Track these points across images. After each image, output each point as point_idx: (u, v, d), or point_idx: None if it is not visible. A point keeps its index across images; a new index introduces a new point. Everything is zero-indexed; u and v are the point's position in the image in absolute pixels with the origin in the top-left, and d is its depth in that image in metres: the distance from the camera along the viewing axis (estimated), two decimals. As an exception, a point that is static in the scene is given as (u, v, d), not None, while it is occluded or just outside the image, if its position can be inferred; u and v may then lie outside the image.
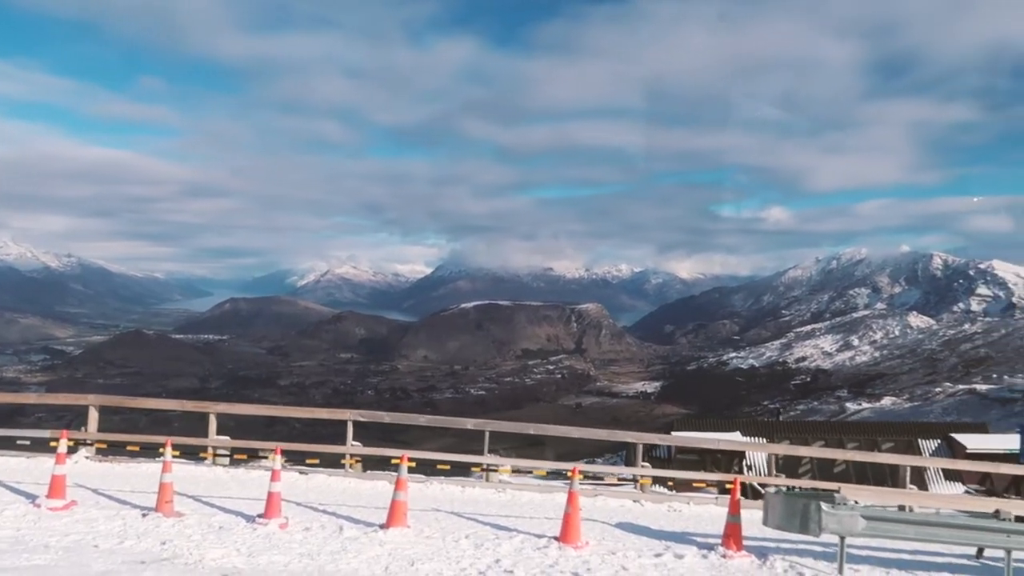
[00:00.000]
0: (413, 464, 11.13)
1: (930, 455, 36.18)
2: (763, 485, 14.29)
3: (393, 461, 11.26)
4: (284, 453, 13.60)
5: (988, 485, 32.29)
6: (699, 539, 9.90)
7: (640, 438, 12.09)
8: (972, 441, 35.14)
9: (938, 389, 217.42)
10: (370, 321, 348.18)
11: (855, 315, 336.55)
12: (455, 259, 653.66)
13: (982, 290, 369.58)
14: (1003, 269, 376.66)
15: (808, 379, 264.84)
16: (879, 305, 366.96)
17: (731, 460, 34.26)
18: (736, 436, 36.72)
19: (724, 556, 9.08)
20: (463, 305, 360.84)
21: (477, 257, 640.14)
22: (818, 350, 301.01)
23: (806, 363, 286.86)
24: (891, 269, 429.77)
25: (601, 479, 12.73)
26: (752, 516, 10.22)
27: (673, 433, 33.56)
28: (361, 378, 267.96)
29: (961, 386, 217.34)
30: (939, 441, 36.66)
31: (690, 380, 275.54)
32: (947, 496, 18.96)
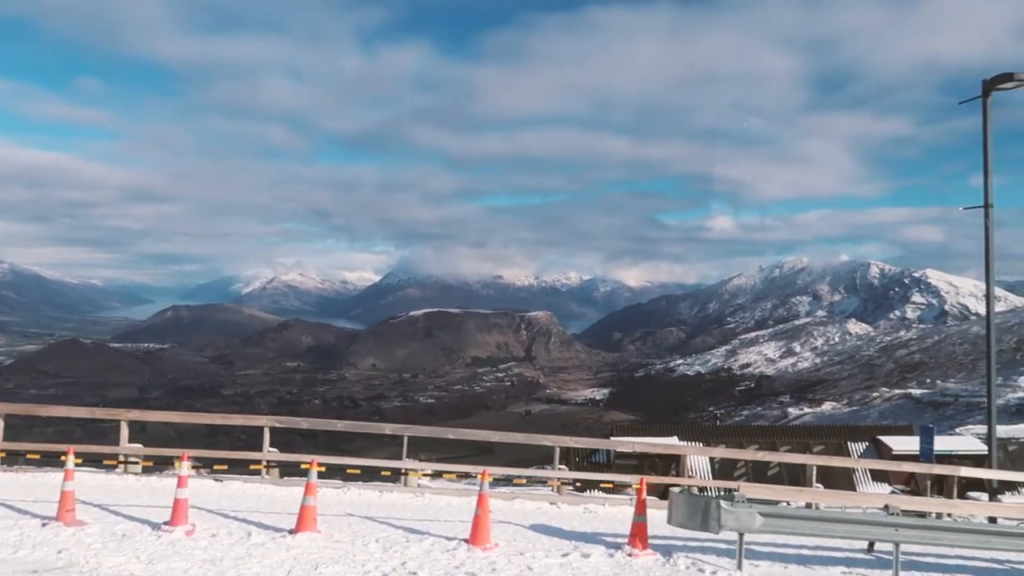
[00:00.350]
0: (323, 469, 11.08)
1: (859, 456, 37.35)
2: (671, 486, 14.60)
3: (303, 466, 11.19)
4: (208, 461, 13.44)
5: (912, 485, 33.48)
6: (609, 539, 10.08)
7: (557, 441, 12.27)
8: (897, 443, 36.37)
9: (875, 394, 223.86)
10: (317, 329, 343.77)
11: (797, 322, 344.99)
12: (404, 266, 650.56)
13: (917, 298, 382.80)
14: (936, 278, 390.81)
15: (752, 385, 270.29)
16: (820, 312, 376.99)
17: (668, 464, 34.83)
18: (674, 440, 37.32)
19: (630, 555, 9.26)
20: (412, 313, 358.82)
21: (426, 264, 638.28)
22: (762, 356, 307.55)
23: (750, 369, 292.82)
24: (831, 277, 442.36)
25: (510, 481, 12.85)
26: (664, 516, 10.44)
27: (612, 438, 34.01)
28: (308, 387, 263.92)
29: (897, 391, 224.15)
30: (867, 443, 37.84)
31: (638, 387, 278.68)
32: (848, 493, 19.59)
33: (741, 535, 8.91)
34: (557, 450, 12.24)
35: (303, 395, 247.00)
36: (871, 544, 9.61)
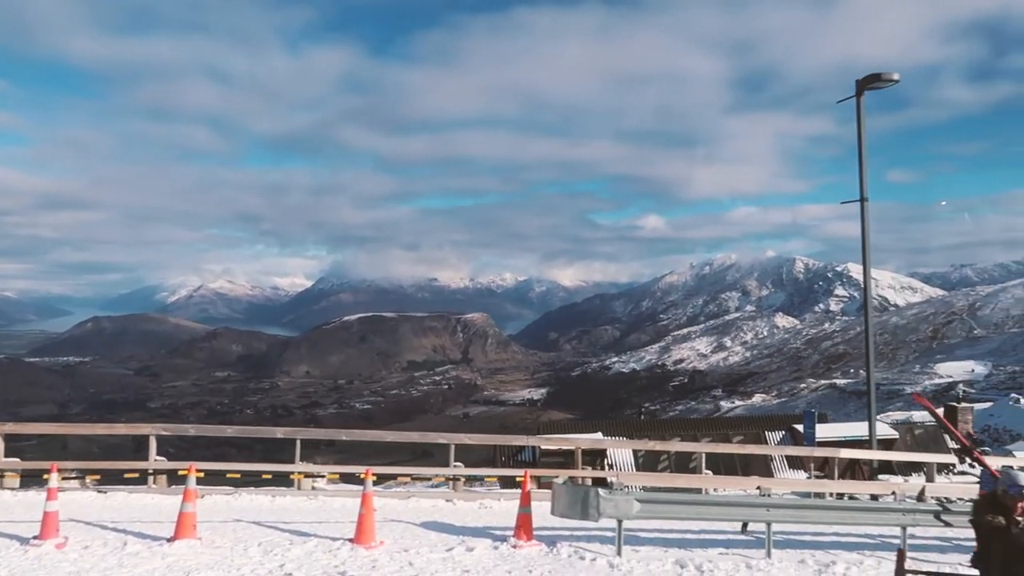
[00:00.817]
0: (201, 474, 10.86)
1: (776, 444, 38.56)
2: (596, 480, 14.84)
3: (180, 472, 10.97)
4: (107, 473, 13.00)
5: (827, 469, 34.78)
6: (498, 532, 10.17)
7: (452, 439, 12.34)
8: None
9: (803, 385, 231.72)
10: (248, 337, 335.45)
11: (727, 317, 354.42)
12: (337, 271, 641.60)
13: (839, 291, 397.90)
14: (857, 271, 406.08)
15: (686, 380, 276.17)
16: (749, 307, 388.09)
17: (594, 459, 35.37)
18: (598, 436, 37.87)
19: (514, 547, 9.37)
20: (346, 318, 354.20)
21: (359, 268, 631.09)
22: (694, 352, 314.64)
23: (683, 365, 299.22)
24: (759, 273, 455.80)
25: (394, 478, 12.89)
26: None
27: (540, 436, 34.30)
28: (239, 397, 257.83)
29: (823, 381, 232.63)
30: (783, 432, 39.02)
31: (575, 385, 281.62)
32: (734, 479, 20.15)
33: (620, 522, 9.12)
34: (452, 447, 12.31)
35: (235, 405, 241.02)
36: (744, 525, 9.96)
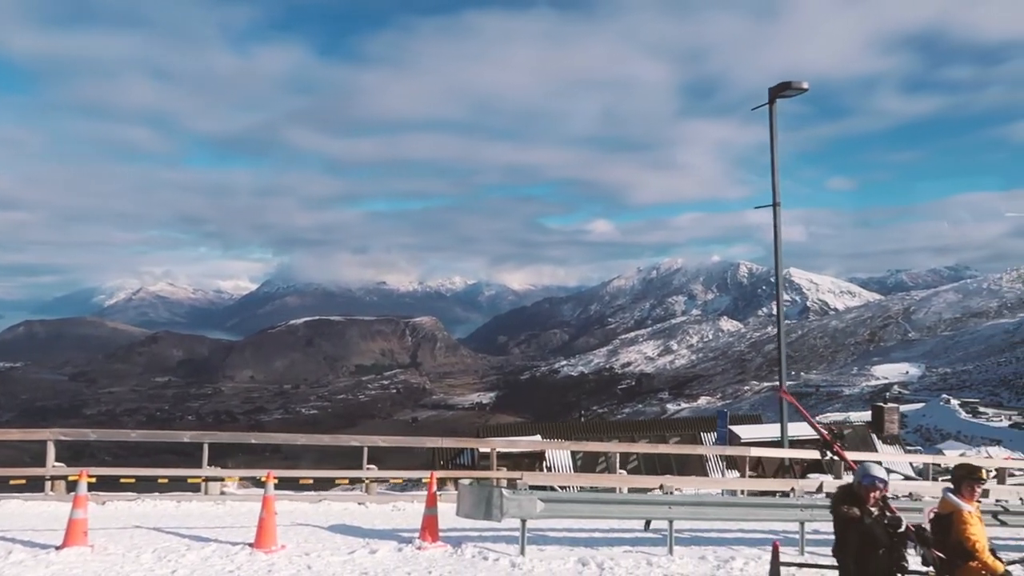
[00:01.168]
0: (93, 480, 10.53)
1: (711, 445, 39.24)
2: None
3: (71, 478, 10.62)
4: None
5: (760, 469, 35.52)
6: (406, 535, 10.08)
7: (365, 441, 12.22)
8: (745, 431, 38.32)
9: (746, 387, 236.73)
10: (190, 341, 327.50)
11: (674, 321, 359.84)
12: (283, 274, 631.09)
13: (782, 295, 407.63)
14: (799, 276, 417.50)
15: (633, 383, 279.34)
16: (695, 311, 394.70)
17: (533, 461, 35.52)
18: (536, 439, 38.01)
19: (419, 548, 9.31)
20: (292, 322, 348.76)
21: (306, 271, 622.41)
22: (641, 355, 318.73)
23: (631, 368, 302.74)
24: (704, 277, 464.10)
25: (338, 482, 12.71)
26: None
27: (419, 437, 34.41)
28: (180, 403, 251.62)
29: (766, 384, 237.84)
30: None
31: (524, 389, 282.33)
32: (639, 478, 20.45)
33: (524, 521, 9.15)
34: (365, 450, 12.20)
35: (175, 411, 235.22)
36: (647, 522, 10.08)
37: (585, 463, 37.88)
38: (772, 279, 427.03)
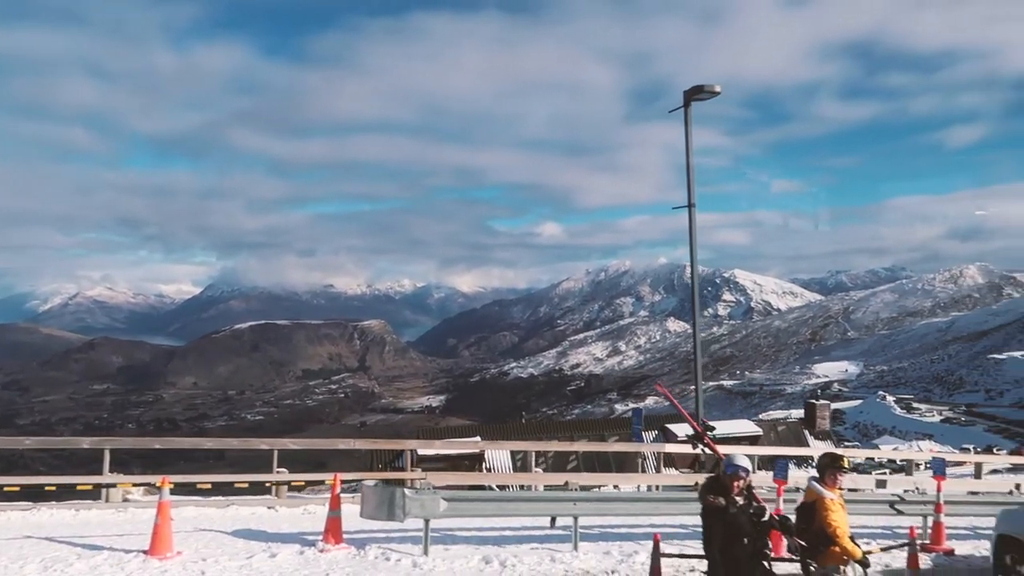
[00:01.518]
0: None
1: (651, 443, 39.77)
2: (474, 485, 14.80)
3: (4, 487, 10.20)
4: None
5: (696, 467, 36.11)
6: (311, 537, 9.93)
7: (274, 444, 12.02)
8: (682, 430, 38.91)
9: (692, 387, 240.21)
10: (129, 347, 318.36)
11: (622, 322, 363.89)
12: (227, 277, 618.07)
13: (727, 296, 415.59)
14: (743, 277, 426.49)
15: (582, 384, 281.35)
16: (642, 312, 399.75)
17: (474, 462, 35.53)
18: (476, 440, 38.01)
19: (321, 551, 9.18)
20: (236, 326, 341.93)
21: (251, 275, 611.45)
22: (590, 356, 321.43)
23: (580, 369, 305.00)
24: (651, 279, 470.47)
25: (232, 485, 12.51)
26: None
27: (422, 443, 34.15)
28: (119, 410, 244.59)
29: (711, 383, 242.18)
30: (656, 431, 40.20)
31: (473, 391, 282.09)
32: (551, 475, 20.58)
33: (427, 521, 9.10)
34: (276, 452, 11.99)
35: (114, 420, 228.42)
36: (553, 519, 10.13)
37: (525, 464, 37.98)
38: (717, 280, 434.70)
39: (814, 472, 6.28)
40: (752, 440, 38.36)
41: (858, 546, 5.79)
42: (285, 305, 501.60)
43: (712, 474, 6.03)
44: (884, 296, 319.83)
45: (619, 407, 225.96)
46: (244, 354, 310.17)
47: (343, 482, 9.90)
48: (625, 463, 34.60)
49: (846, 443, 64.87)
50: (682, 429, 40.38)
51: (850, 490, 12.94)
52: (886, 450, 40.14)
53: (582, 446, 32.38)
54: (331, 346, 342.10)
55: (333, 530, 9.43)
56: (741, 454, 5.65)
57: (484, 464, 37.31)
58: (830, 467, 6.03)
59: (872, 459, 38.35)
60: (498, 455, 36.84)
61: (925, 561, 9.71)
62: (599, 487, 16.40)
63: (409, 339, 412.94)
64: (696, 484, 14.81)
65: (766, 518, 5.53)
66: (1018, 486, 13.77)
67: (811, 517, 5.85)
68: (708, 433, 7.20)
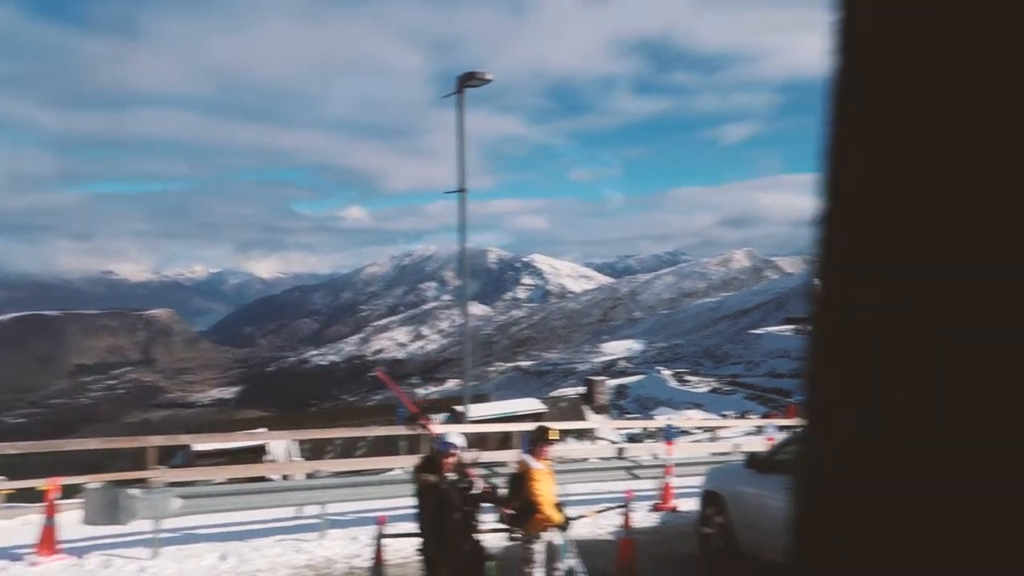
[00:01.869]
0: None
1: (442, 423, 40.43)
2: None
3: None
4: None
5: (483, 446, 37.19)
6: (26, 551, 9.00)
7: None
8: (473, 409, 39.82)
9: (492, 368, 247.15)
10: None
11: (425, 307, 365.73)
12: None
13: (526, 280, 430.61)
14: (542, 262, 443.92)
15: (385, 370, 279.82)
16: (446, 297, 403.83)
17: (257, 455, 34.09)
18: (263, 431, 36.61)
19: (32, 564, 8.33)
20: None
21: (15, 260, 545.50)
22: (393, 342, 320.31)
23: (383, 355, 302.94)
24: (455, 264, 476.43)
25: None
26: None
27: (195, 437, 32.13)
28: None
29: (509, 364, 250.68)
30: (447, 413, 40.77)
31: (271, 381, 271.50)
32: (304, 464, 20.58)
33: (156, 522, 8.52)
34: (-12, 458, 10.71)
35: None
36: (300, 508, 9.93)
37: (314, 451, 37.20)
38: (517, 264, 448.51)
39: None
40: (537, 417, 40.08)
41: (561, 512, 6.16)
42: (56, 294, 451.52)
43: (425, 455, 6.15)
44: (666, 279, 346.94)
45: (421, 391, 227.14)
46: (6, 349, 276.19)
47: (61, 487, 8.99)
48: (398, 447, 34.89)
49: (626, 415, 69.87)
50: (473, 410, 41.38)
51: (601, 459, 13.86)
52: (642, 422, 43.58)
53: (369, 431, 31.88)
54: (110, 338, 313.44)
55: (47, 540, 8.56)
56: (455, 432, 5.79)
57: (267, 456, 36.00)
58: (540, 440, 6.35)
59: (645, 429, 41.59)
60: (282, 446, 35.59)
61: (648, 520, 10.63)
62: (388, 470, 16.27)
63: (201, 328, 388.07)
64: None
65: (476, 491, 5.72)
66: (736, 446, 15.45)
67: (521, 487, 6.13)
68: (424, 414, 7.34)
